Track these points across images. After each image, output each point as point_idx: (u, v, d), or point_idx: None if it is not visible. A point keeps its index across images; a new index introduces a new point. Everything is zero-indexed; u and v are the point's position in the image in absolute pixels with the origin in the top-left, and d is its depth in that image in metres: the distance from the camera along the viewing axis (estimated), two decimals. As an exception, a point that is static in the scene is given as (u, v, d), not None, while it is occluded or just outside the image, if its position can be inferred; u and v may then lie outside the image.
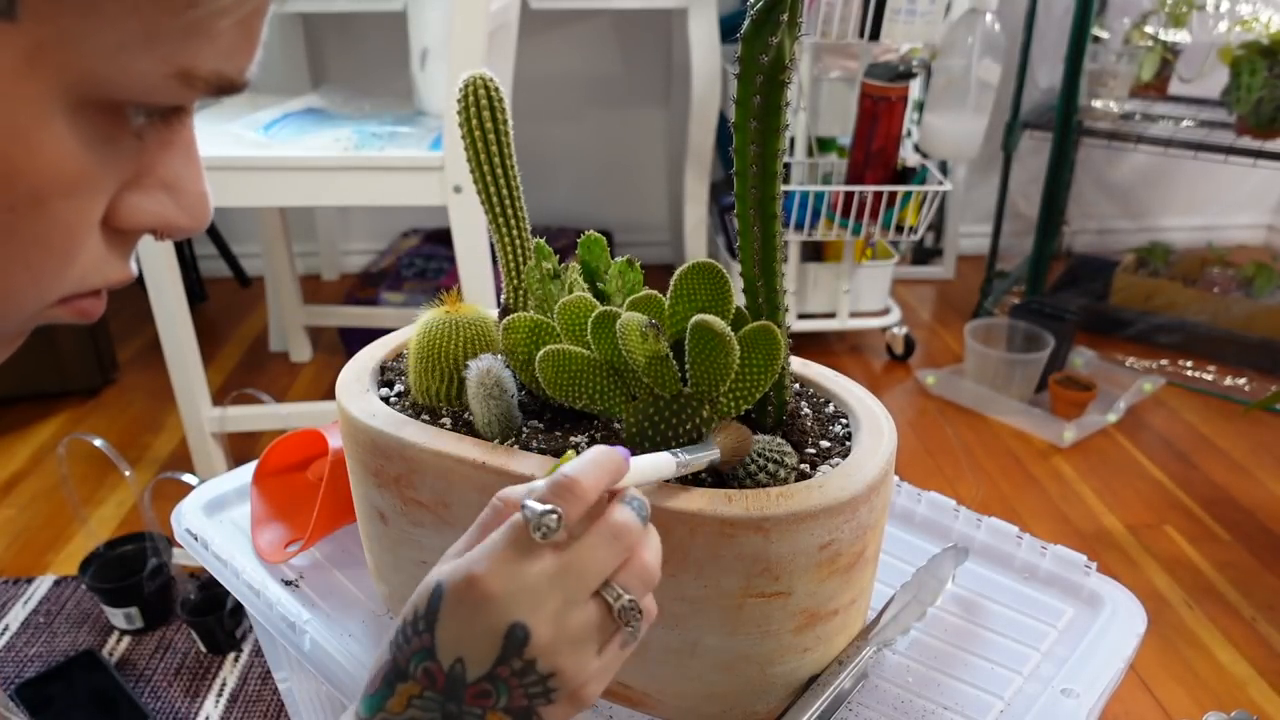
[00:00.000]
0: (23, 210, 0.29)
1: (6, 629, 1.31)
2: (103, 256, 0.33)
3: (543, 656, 0.38)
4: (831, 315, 2.10)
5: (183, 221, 0.34)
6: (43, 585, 1.38)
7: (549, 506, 0.39)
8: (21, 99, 0.27)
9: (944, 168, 2.14)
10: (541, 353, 0.53)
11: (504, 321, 0.58)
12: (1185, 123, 2.10)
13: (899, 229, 1.89)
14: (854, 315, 2.11)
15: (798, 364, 0.64)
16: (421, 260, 2.24)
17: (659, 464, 0.46)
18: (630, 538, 0.41)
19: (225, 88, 0.31)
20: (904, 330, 2.11)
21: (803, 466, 0.54)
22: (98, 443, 1.25)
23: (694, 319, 0.50)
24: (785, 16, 0.45)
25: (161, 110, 0.32)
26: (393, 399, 0.62)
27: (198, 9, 0.28)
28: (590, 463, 0.41)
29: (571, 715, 0.41)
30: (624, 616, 0.41)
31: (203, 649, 1.27)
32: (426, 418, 0.59)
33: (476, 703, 0.39)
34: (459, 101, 0.58)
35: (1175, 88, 2.20)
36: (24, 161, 0.28)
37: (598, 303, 0.55)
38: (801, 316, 2.11)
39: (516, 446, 0.55)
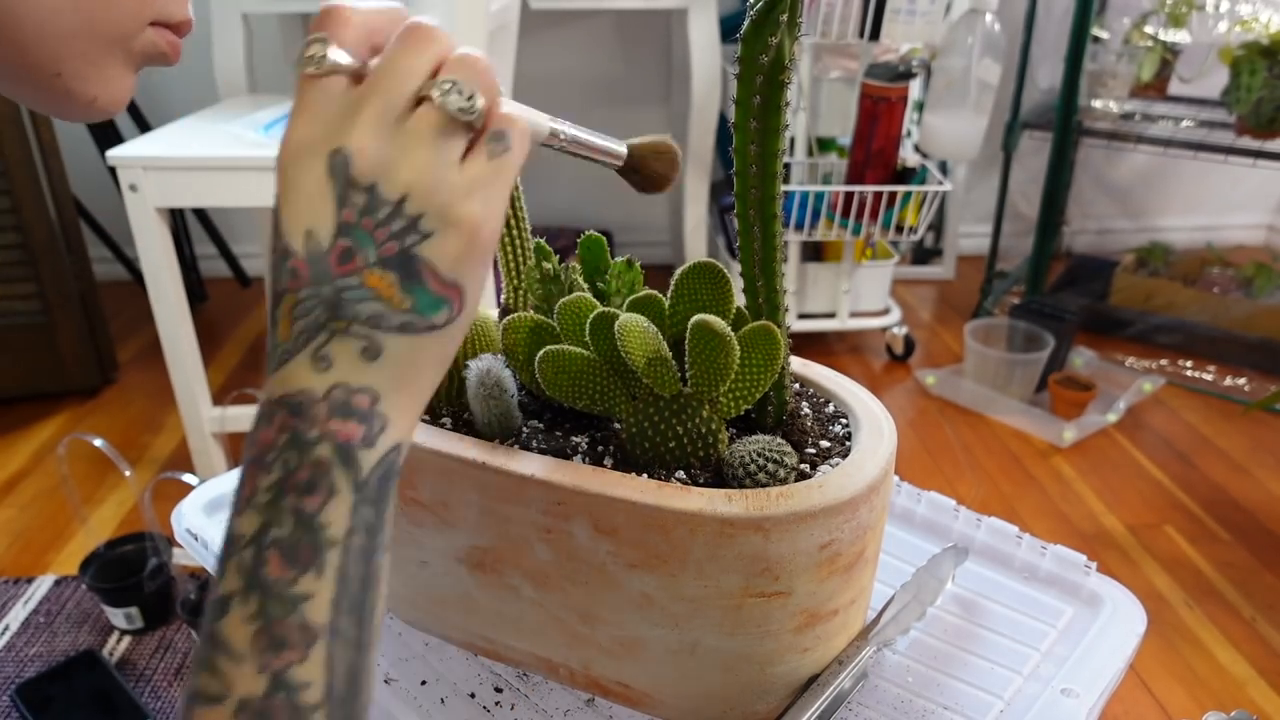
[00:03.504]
0: None
1: (7, 629, 1.31)
2: None
3: (382, 179, 0.34)
4: (831, 315, 2.10)
5: None
6: (43, 585, 1.38)
7: (313, 35, 0.35)
8: None
9: (944, 168, 2.15)
10: (541, 353, 0.53)
11: (504, 321, 0.58)
12: (1185, 123, 2.10)
13: (899, 229, 1.89)
14: (854, 315, 2.11)
15: (798, 364, 0.64)
16: (421, 260, 2.23)
17: (535, 114, 0.40)
18: (440, 43, 0.35)
19: None
20: (904, 330, 2.11)
21: (803, 466, 0.54)
22: (98, 443, 1.26)
23: (694, 319, 0.50)
24: (785, 16, 0.45)
25: None
26: (393, 399, 0.62)
27: None
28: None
29: (467, 251, 0.36)
30: (460, 109, 0.35)
31: (203, 649, 1.27)
32: (426, 417, 0.59)
33: (344, 269, 0.34)
34: (459, 101, 0.58)
35: (1175, 88, 2.20)
36: None
37: (598, 303, 0.55)
38: (801, 316, 2.11)
39: (516, 446, 0.55)
